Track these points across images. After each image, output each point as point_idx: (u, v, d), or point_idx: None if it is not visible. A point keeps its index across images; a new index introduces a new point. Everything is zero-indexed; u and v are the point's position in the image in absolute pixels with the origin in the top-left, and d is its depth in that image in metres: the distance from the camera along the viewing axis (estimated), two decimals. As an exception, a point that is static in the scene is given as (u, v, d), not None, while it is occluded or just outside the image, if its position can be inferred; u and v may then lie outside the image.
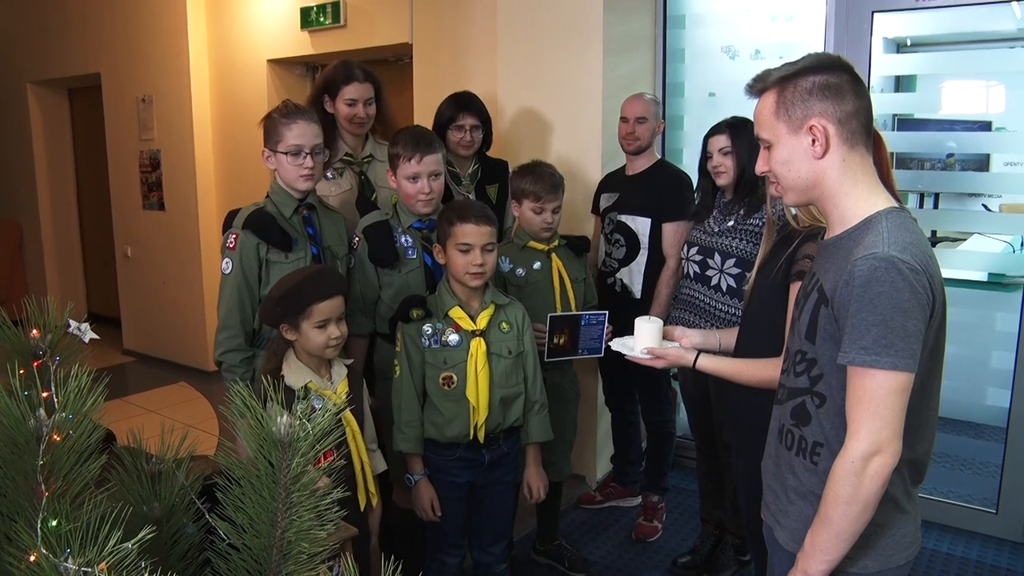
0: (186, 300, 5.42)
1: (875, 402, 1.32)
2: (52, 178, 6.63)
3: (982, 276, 3.64)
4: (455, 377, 2.32)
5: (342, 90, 2.87)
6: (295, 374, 2.12)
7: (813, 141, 1.42)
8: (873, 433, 1.33)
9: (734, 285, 2.71)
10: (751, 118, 1.55)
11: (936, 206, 4.78)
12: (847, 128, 1.41)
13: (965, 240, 4.53)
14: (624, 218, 3.23)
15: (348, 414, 2.12)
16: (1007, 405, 3.27)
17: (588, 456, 3.88)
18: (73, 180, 6.73)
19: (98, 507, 1.14)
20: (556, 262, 2.82)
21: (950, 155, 4.48)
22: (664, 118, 3.79)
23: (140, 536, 1.13)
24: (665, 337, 2.11)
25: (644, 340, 2.06)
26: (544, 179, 2.74)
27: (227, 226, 2.52)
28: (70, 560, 1.05)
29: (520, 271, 2.82)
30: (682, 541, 3.41)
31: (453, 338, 2.32)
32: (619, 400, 3.60)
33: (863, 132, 1.43)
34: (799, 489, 1.51)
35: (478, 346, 2.32)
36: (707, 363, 1.99)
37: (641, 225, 3.20)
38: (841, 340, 1.36)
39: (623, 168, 3.36)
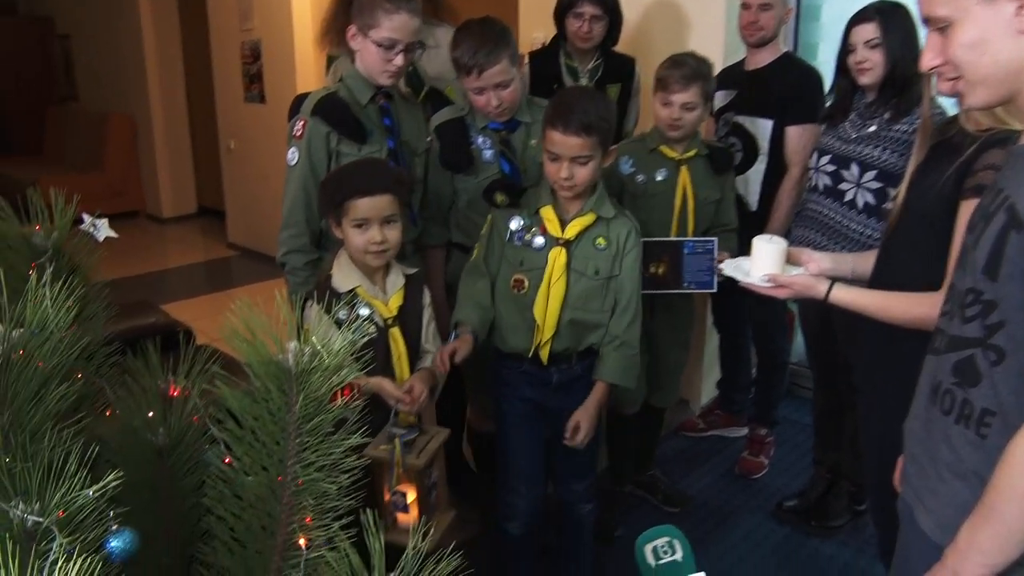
0: (286, 196, 5.30)
1: None
2: (162, 72, 6.61)
3: None
4: (527, 283, 2.04)
5: None
6: (344, 275, 1.89)
7: (1020, 8, 1.03)
8: None
9: (872, 202, 2.31)
10: (904, 2, 1.15)
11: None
12: None
13: None
14: (742, 119, 2.83)
15: (397, 333, 1.89)
16: None
17: (693, 379, 3.57)
18: (182, 74, 6.69)
19: (62, 444, 0.95)
20: (684, 176, 2.43)
21: None
22: (797, 4, 3.29)
23: (103, 484, 0.93)
24: (789, 260, 1.77)
25: (764, 264, 1.73)
26: (679, 66, 2.33)
27: (294, 112, 2.28)
28: (21, 506, 0.87)
29: (641, 177, 2.45)
30: (789, 481, 3.11)
31: (538, 240, 2.02)
32: (729, 322, 3.28)
33: None
34: (956, 467, 1.18)
35: (558, 256, 2.01)
36: (844, 295, 1.65)
37: (761, 128, 2.80)
38: None
39: (742, 62, 2.93)
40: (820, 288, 1.68)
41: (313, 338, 1.03)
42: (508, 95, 2.19)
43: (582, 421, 2.07)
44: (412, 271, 1.99)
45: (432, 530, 1.84)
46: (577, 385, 2.13)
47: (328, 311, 1.80)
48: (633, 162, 2.46)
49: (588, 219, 2.02)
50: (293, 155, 2.17)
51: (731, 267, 1.84)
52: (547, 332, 2.04)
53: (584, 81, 2.85)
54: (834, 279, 1.69)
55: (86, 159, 6.83)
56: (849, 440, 2.72)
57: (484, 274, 2.08)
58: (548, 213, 2.02)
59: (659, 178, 2.44)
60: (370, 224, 1.83)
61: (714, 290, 2.36)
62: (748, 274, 1.78)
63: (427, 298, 2.03)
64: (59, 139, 7.30)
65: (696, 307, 2.72)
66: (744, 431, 3.33)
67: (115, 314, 2.89)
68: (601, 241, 2.04)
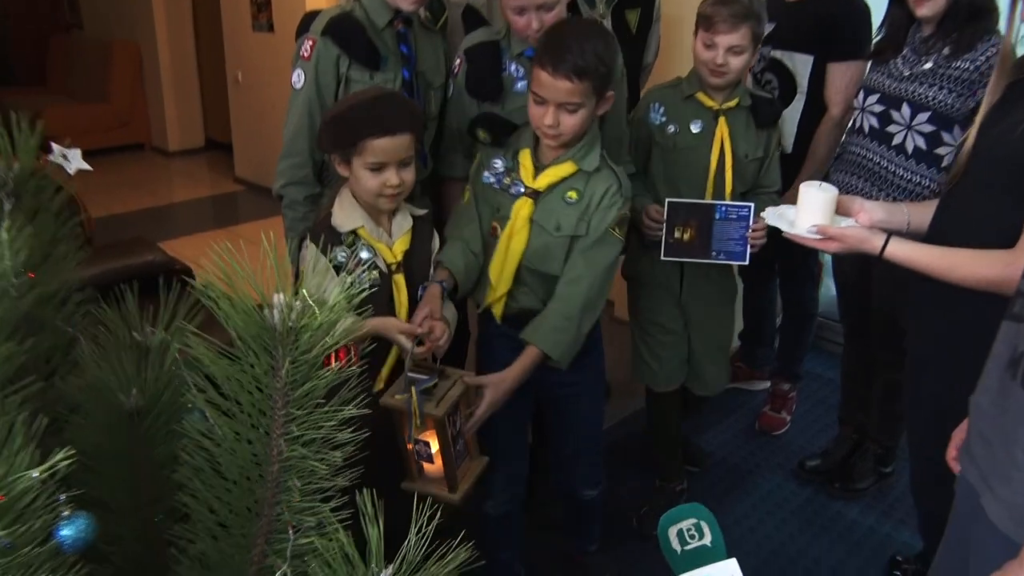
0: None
1: None
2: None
3: None
4: (500, 231, 1.85)
5: None
6: (346, 214, 1.72)
7: None
8: None
9: (923, 147, 2.12)
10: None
11: None
12: None
13: None
14: (779, 54, 2.60)
15: (400, 280, 1.73)
16: None
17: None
18: (188, 1, 6.43)
19: (6, 414, 0.82)
20: (722, 129, 2.15)
21: None
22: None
23: (50, 464, 0.81)
24: (837, 210, 1.60)
25: (813, 214, 1.57)
26: (727, 2, 2.04)
27: (303, 30, 2.08)
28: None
29: (672, 128, 2.18)
30: (812, 439, 2.99)
31: (516, 187, 1.84)
32: (755, 270, 3.09)
33: None
34: None
35: (522, 207, 1.80)
36: (902, 251, 1.49)
37: (800, 63, 2.57)
38: None
39: (780, -9, 2.69)
40: (875, 242, 1.52)
41: (304, 290, 0.89)
42: (551, 19, 1.93)
43: (490, 392, 1.73)
44: (421, 212, 1.82)
45: (462, 480, 1.72)
46: None
47: (326, 253, 1.65)
48: (664, 110, 2.20)
49: (564, 170, 1.79)
50: (299, 77, 1.99)
51: (774, 215, 1.67)
52: (500, 288, 1.85)
53: (601, 8, 2.62)
54: (890, 232, 1.53)
55: (91, 89, 6.63)
56: (879, 400, 2.58)
57: (474, 218, 1.90)
58: (525, 158, 1.82)
59: (694, 130, 2.17)
60: (387, 166, 1.65)
61: (745, 262, 2.14)
62: (793, 224, 1.61)
63: (436, 242, 1.87)
64: (63, 69, 7.08)
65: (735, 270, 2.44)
66: (766, 385, 3.20)
67: (105, 254, 2.72)
68: (572, 195, 1.80)
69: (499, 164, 1.86)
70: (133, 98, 6.67)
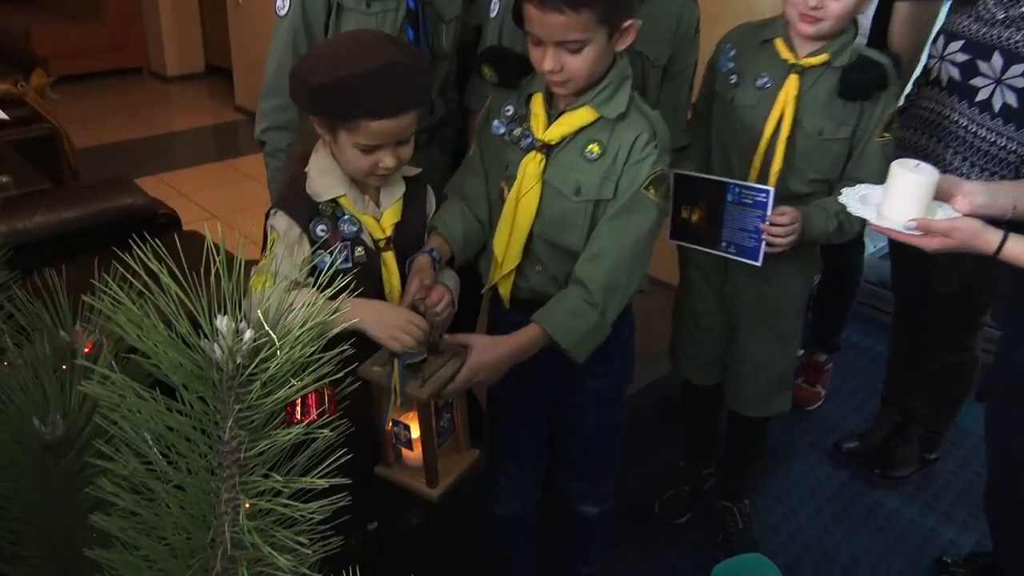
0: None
1: None
2: (165, -92, 5.96)
3: None
4: (507, 193, 1.53)
5: None
6: (325, 179, 1.39)
7: None
8: None
9: (1015, 105, 1.82)
10: None
11: None
12: None
13: None
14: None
15: (390, 258, 1.43)
16: None
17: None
18: (187, -89, 6.03)
19: None
20: (790, 89, 1.70)
21: None
22: None
23: None
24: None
25: (907, 202, 1.30)
26: None
27: None
28: None
29: (734, 79, 1.80)
30: (847, 416, 2.76)
31: (526, 140, 1.50)
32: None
33: None
34: None
35: (529, 163, 1.47)
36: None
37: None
38: None
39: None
40: (989, 238, 1.26)
41: (259, 312, 0.64)
42: None
43: (474, 355, 1.41)
44: (413, 172, 1.50)
45: (444, 474, 1.48)
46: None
47: (304, 226, 1.37)
48: (735, 54, 1.80)
49: (581, 117, 1.44)
50: (283, 4, 1.70)
51: (855, 199, 1.39)
52: (507, 263, 1.52)
53: None
54: (1008, 227, 1.26)
55: (84, 8, 6.24)
56: (932, 383, 2.34)
57: (480, 173, 1.59)
58: (537, 104, 1.49)
59: (757, 84, 1.75)
60: (382, 149, 1.35)
61: (757, 263, 1.73)
62: (882, 214, 1.33)
63: (431, 205, 1.56)
64: (56, -17, 6.71)
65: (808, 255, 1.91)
66: (799, 354, 2.96)
67: (79, 196, 2.42)
68: (594, 149, 1.45)
69: (510, 110, 1.54)
70: (129, 19, 6.29)
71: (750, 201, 1.70)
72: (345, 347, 0.65)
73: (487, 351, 1.42)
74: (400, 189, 1.46)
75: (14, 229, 2.19)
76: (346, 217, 1.40)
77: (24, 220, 2.25)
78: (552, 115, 1.47)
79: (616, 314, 1.47)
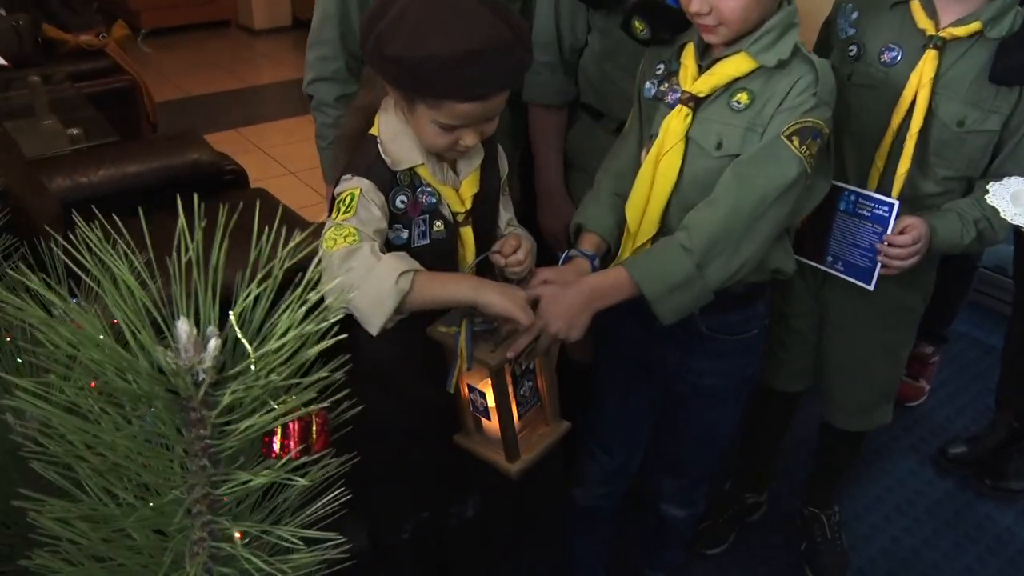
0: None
1: None
2: None
3: None
4: (645, 156, 1.35)
5: None
6: (400, 146, 1.22)
7: None
8: None
9: None
10: None
11: None
12: None
13: None
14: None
15: (468, 233, 1.27)
16: None
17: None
18: None
19: None
20: (926, 69, 1.40)
21: None
22: None
23: None
24: None
25: None
26: None
27: None
28: None
29: (854, 49, 1.49)
30: (953, 416, 2.51)
31: (673, 94, 1.31)
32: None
33: None
34: None
35: (673, 119, 1.28)
36: None
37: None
38: None
39: None
40: None
41: (232, 315, 0.49)
42: None
43: (543, 306, 1.21)
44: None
45: (526, 449, 1.32)
46: (703, 342, 1.39)
47: (385, 193, 1.21)
48: (858, 17, 1.50)
49: (735, 66, 1.24)
50: None
51: (1004, 196, 1.16)
52: (642, 235, 1.32)
53: None
54: None
55: (177, -40, 6.28)
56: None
57: (632, 144, 1.41)
58: (688, 55, 1.30)
59: (884, 58, 1.46)
60: (465, 129, 1.17)
61: (870, 287, 1.47)
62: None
63: (504, 167, 1.37)
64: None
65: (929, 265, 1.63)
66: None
67: (145, 150, 2.34)
68: (742, 98, 1.25)
69: (661, 68, 1.35)
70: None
71: (867, 213, 1.43)
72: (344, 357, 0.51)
73: (555, 300, 1.22)
74: (479, 155, 1.28)
75: (77, 183, 2.14)
76: (425, 188, 1.23)
77: (89, 174, 2.20)
78: (704, 67, 1.28)
79: (720, 279, 1.25)
